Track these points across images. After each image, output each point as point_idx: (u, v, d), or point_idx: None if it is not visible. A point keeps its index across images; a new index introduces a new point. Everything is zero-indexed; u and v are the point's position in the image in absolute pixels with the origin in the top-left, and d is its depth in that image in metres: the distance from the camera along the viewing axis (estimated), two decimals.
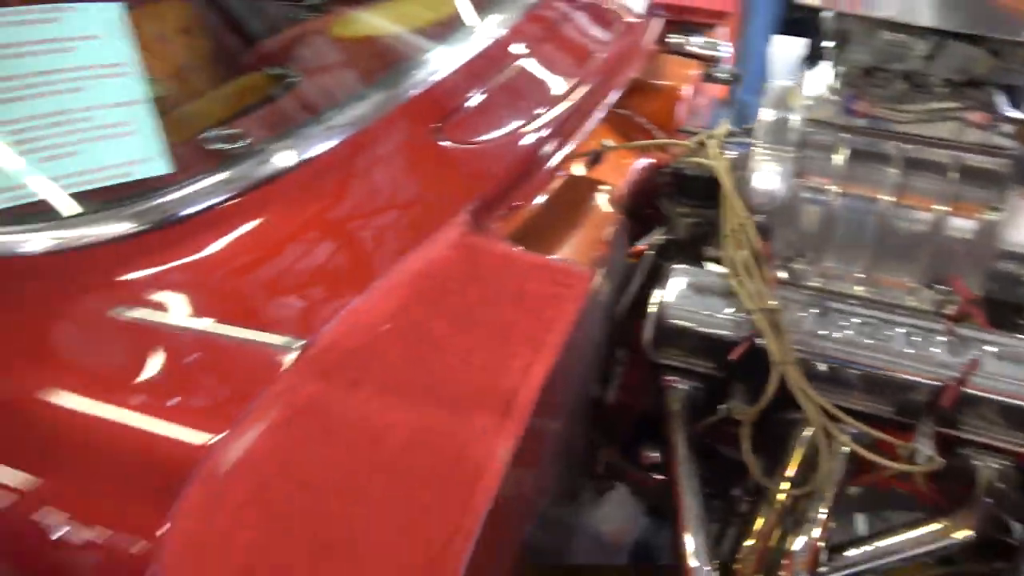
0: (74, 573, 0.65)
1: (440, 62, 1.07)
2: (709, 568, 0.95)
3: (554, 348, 0.69)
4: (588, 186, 1.06)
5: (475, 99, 1.04)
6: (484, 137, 0.98)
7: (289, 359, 0.66)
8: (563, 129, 1.05)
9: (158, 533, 0.57)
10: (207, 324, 0.71)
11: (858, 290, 1.10)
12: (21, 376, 0.68)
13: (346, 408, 0.63)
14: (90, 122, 0.78)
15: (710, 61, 1.56)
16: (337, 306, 0.72)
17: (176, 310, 0.73)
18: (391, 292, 0.74)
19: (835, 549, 0.99)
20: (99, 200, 0.78)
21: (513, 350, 0.68)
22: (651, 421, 1.14)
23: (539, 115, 1.05)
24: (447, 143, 0.95)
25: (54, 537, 0.59)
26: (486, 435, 0.61)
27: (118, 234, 0.77)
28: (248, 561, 0.57)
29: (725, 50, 1.55)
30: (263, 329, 0.70)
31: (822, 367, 1.01)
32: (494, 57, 1.13)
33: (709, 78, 1.57)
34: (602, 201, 1.03)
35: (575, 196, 1.04)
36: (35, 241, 0.76)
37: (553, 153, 1.03)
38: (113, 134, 0.79)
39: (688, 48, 1.56)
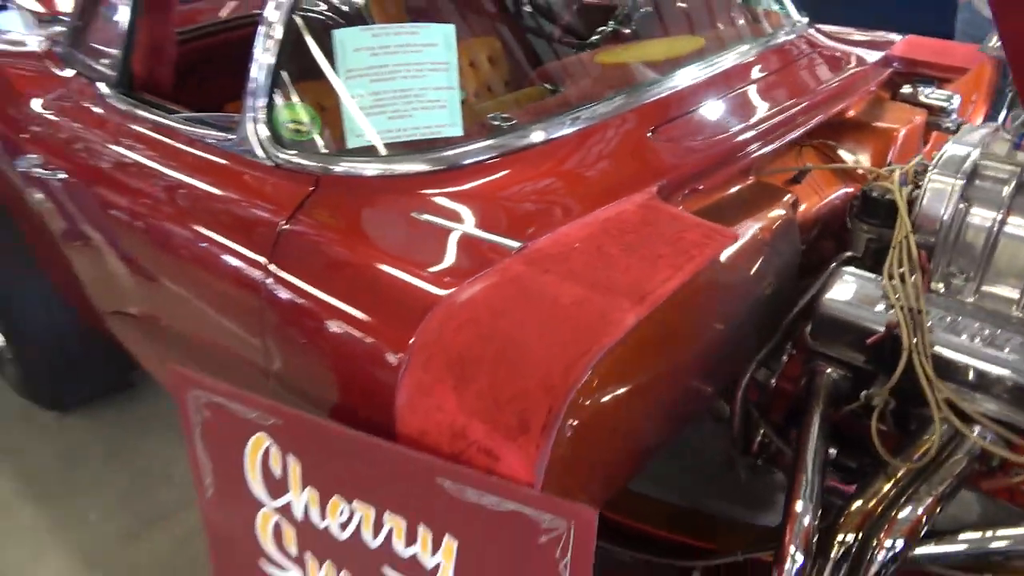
0: (361, 363, 1.06)
1: (676, 82, 1.39)
2: (811, 517, 1.11)
3: (688, 273, 0.96)
4: (771, 191, 1.29)
5: (691, 111, 1.35)
6: (686, 138, 1.28)
7: (510, 252, 1.02)
8: (757, 141, 1.31)
9: (409, 342, 0.96)
10: (466, 225, 1.10)
11: (1015, 312, 1.19)
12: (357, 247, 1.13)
13: (536, 282, 0.97)
14: (422, 98, 1.22)
15: (939, 112, 1.68)
16: (548, 228, 1.07)
17: (449, 216, 1.13)
18: (585, 225, 1.07)
19: (939, 534, 1.11)
20: (415, 147, 1.21)
21: (659, 269, 0.97)
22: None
23: (739, 129, 1.32)
24: (656, 139, 1.27)
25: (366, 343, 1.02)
26: (621, 310, 0.91)
27: (422, 170, 1.20)
28: (460, 355, 0.93)
29: (955, 102, 1.66)
30: (499, 234, 1.07)
31: (959, 365, 1.13)
32: (719, 82, 1.43)
33: (936, 127, 1.69)
34: (780, 204, 1.27)
35: (757, 196, 1.28)
36: (370, 168, 1.22)
37: (744, 159, 1.29)
38: (433, 107, 1.22)
39: (919, 98, 1.70)
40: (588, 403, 0.87)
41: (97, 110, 1.70)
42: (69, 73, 1.85)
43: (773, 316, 1.27)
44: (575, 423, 0.85)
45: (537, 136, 1.24)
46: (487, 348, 0.91)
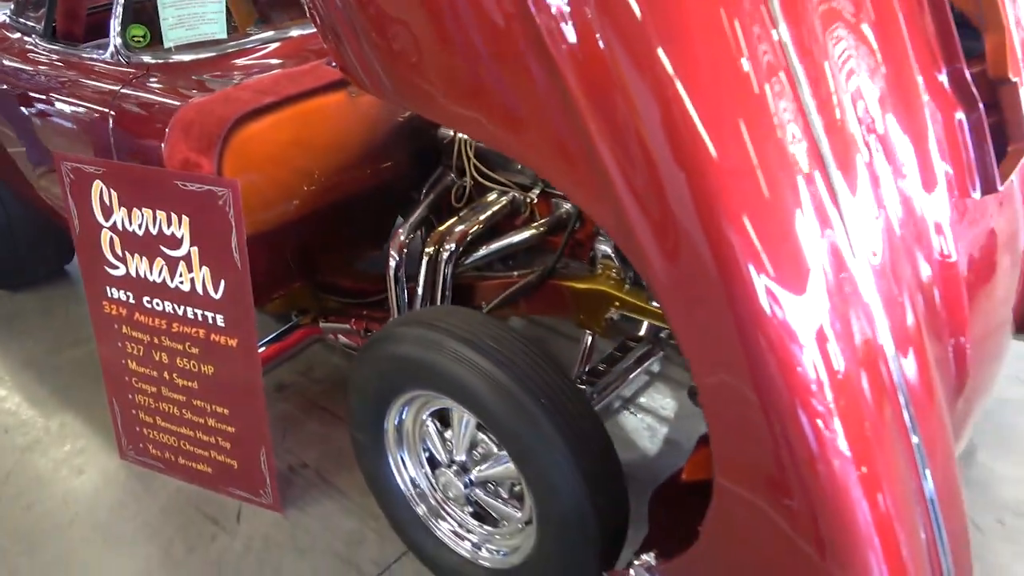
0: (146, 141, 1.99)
1: None
2: (405, 233, 2.04)
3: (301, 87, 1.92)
4: None
5: None
6: None
7: (231, 87, 1.97)
8: None
9: (167, 129, 1.90)
10: (214, 84, 2.06)
11: None
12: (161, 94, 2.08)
13: (231, 94, 1.92)
14: (203, 18, 2.17)
15: None
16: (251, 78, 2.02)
17: (203, 75, 2.09)
18: (269, 77, 2.03)
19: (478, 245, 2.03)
20: (197, 46, 2.17)
21: (283, 86, 1.93)
22: None
23: None
24: None
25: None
26: (258, 99, 1.86)
27: (198, 57, 2.16)
28: (186, 123, 1.87)
29: None
30: (227, 80, 2.02)
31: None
32: None
33: None
34: None
35: None
36: (172, 58, 2.18)
37: None
38: (210, 23, 2.17)
39: None
40: (237, 140, 1.80)
41: (28, 51, 2.64)
42: (14, 34, 2.79)
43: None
44: (229, 148, 1.79)
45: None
46: (200, 113, 1.85)
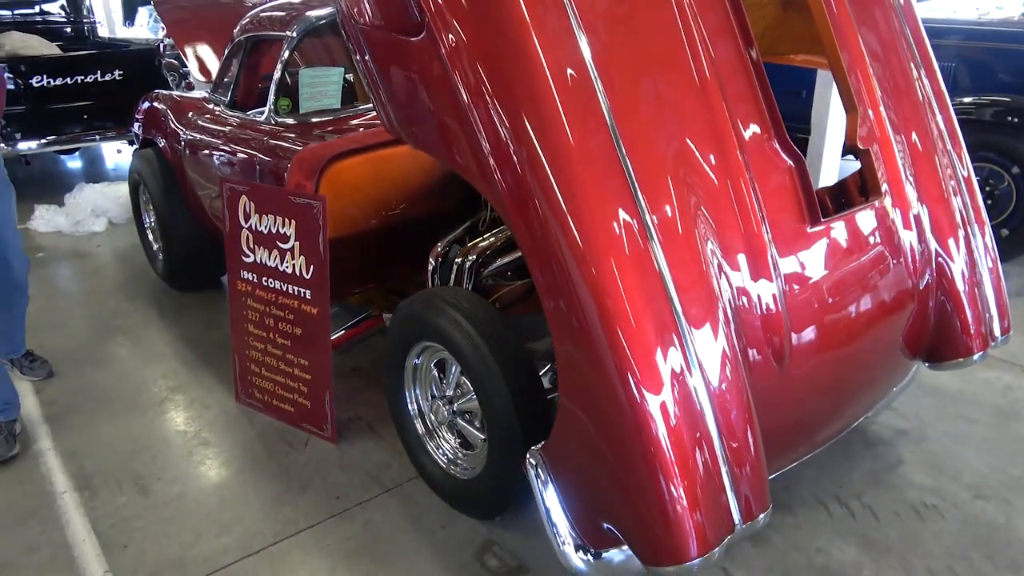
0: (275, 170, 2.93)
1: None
2: (442, 246, 2.82)
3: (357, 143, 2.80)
4: None
5: None
6: None
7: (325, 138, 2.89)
8: None
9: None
10: (321, 134, 3.00)
11: None
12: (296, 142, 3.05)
13: (309, 148, 2.83)
14: (325, 93, 3.14)
15: None
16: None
17: (324, 132, 3.03)
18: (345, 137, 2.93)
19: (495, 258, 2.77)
20: (321, 111, 3.13)
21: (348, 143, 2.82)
22: None
23: None
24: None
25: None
26: (336, 150, 2.75)
27: (323, 119, 3.12)
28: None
29: None
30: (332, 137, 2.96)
31: None
32: None
33: None
34: None
35: None
36: (308, 119, 3.15)
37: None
38: (329, 97, 3.14)
39: None
40: (331, 171, 2.68)
41: (217, 114, 3.74)
42: (211, 104, 3.93)
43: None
44: (325, 177, 2.67)
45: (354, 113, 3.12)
46: (310, 153, 2.76)
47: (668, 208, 1.77)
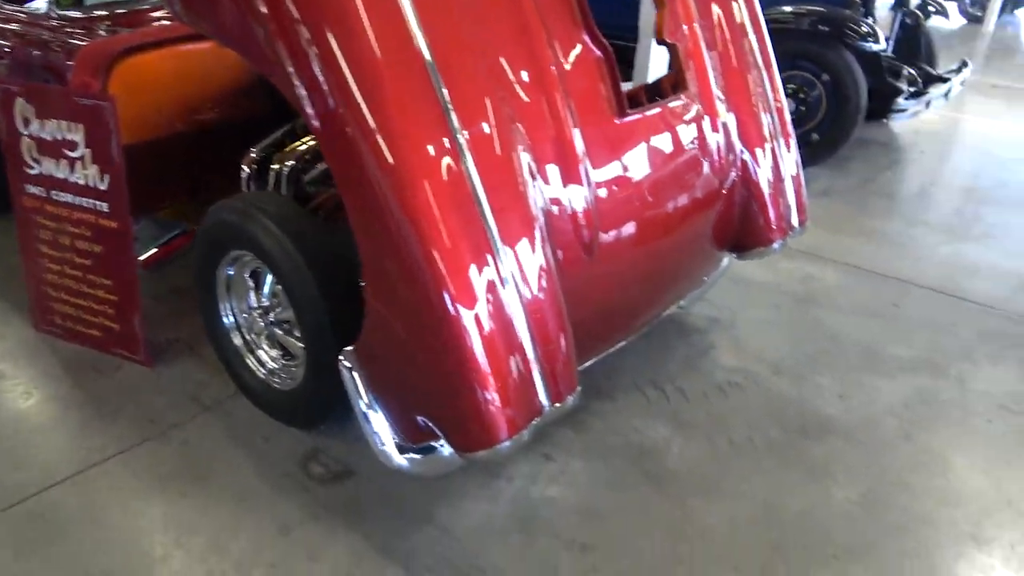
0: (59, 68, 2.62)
1: None
2: (256, 153, 2.65)
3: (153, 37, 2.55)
4: None
5: None
6: None
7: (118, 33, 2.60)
8: None
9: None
10: (101, 29, 2.69)
11: None
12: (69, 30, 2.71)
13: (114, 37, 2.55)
14: None
15: None
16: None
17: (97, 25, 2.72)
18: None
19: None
20: (102, 5, 2.81)
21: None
22: None
23: None
24: None
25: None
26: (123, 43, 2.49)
27: (101, 13, 2.79)
28: (92, 62, 2.50)
29: None
30: (115, 31, 2.65)
31: None
32: None
33: None
34: None
35: None
36: (84, 11, 2.81)
37: None
38: None
39: None
40: (121, 67, 2.42)
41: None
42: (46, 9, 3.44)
43: None
44: (114, 73, 2.41)
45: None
46: (96, 48, 2.47)
47: (484, 125, 1.73)
